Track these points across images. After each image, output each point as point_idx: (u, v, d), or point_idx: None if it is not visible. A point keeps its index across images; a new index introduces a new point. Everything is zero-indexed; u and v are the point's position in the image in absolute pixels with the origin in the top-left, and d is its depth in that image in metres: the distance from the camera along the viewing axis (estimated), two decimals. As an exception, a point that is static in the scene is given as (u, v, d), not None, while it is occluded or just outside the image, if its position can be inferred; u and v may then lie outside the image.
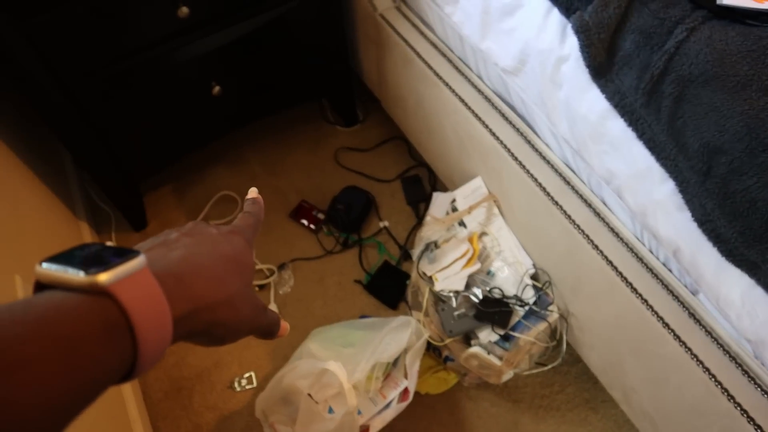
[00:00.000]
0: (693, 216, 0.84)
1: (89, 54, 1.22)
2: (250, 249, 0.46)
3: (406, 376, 1.27)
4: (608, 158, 0.98)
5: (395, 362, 1.30)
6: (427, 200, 1.47)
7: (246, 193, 0.54)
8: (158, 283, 0.34)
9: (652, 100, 0.85)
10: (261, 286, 1.59)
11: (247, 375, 1.46)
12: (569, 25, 0.95)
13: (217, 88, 1.45)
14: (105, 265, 0.32)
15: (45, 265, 0.32)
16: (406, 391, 1.27)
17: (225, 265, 0.40)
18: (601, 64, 0.91)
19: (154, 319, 0.33)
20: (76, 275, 0.31)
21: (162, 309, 0.33)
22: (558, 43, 0.98)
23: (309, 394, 1.19)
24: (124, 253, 0.33)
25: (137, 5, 1.20)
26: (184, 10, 1.25)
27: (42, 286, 0.32)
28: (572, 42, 0.95)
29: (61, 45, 1.17)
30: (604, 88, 0.92)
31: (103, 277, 0.31)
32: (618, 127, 0.92)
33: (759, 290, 0.81)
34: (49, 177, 1.55)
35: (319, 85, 1.73)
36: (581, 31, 0.90)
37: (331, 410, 1.21)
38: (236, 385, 1.45)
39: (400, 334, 1.25)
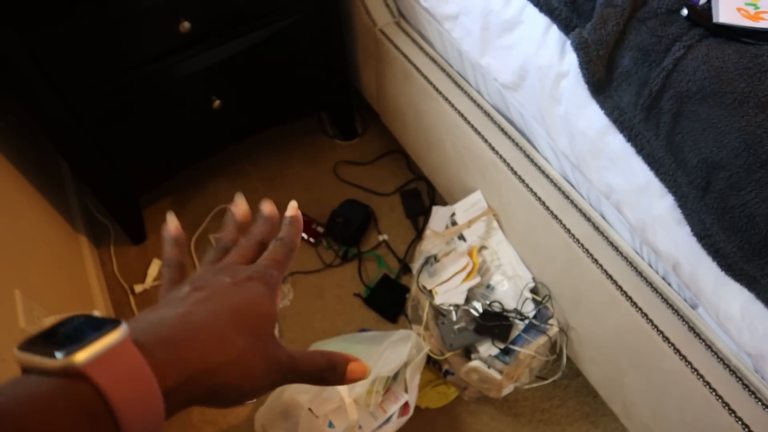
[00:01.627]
0: (692, 231, 0.85)
1: (91, 68, 1.23)
2: (271, 294, 0.40)
3: (406, 390, 1.27)
4: (607, 173, 0.98)
5: (395, 376, 1.30)
6: (426, 214, 1.48)
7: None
8: (143, 355, 0.30)
9: (650, 116, 0.86)
10: (260, 300, 1.58)
11: (246, 389, 1.46)
12: (568, 42, 0.97)
13: (217, 102, 1.46)
14: (81, 342, 0.29)
15: (19, 351, 0.29)
16: (406, 405, 1.27)
17: (230, 321, 0.36)
18: (600, 81, 0.92)
19: (137, 398, 0.29)
20: (49, 359, 0.28)
21: (146, 384, 0.30)
22: (557, 59, 0.99)
23: (309, 409, 1.19)
24: (103, 325, 0.30)
25: (139, 20, 1.21)
26: (186, 25, 1.26)
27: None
28: (571, 58, 0.96)
29: (63, 58, 1.17)
30: (603, 104, 0.93)
31: (78, 358, 0.28)
32: (617, 143, 0.93)
33: (758, 304, 0.81)
34: (47, 189, 1.55)
35: (318, 99, 1.74)
36: (580, 48, 0.91)
37: (331, 425, 1.21)
38: (235, 399, 1.44)
39: (400, 348, 1.25)
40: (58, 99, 1.23)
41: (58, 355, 0.28)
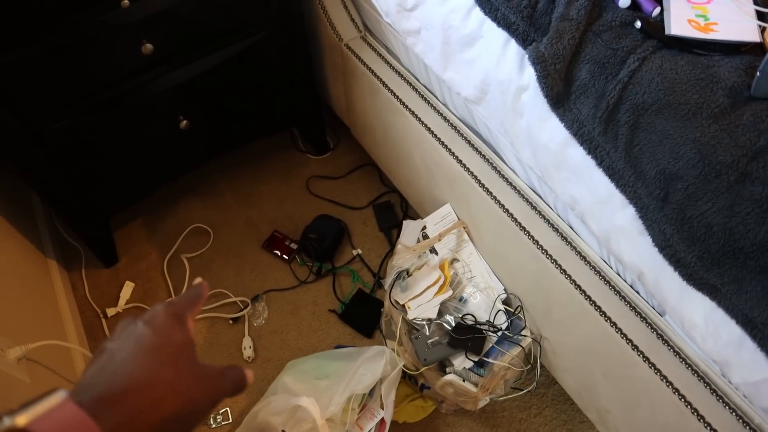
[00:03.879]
0: (653, 241, 0.86)
1: (52, 93, 1.22)
2: (179, 321, 0.45)
3: (382, 407, 1.26)
4: (571, 185, 0.99)
5: (371, 392, 1.29)
6: (400, 226, 1.48)
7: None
8: (83, 411, 0.34)
9: (609, 129, 0.87)
10: (235, 319, 1.57)
11: (222, 411, 1.44)
12: (527, 55, 0.97)
13: (184, 122, 1.45)
14: (25, 408, 0.34)
15: None
16: (382, 421, 1.26)
17: (152, 359, 0.40)
18: (559, 94, 0.92)
19: None
20: None
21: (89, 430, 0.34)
22: (517, 72, 1.00)
23: (283, 431, 1.17)
24: (45, 395, 0.35)
25: (100, 44, 1.20)
26: (148, 47, 1.25)
27: None
28: (531, 72, 0.97)
29: (23, 86, 1.16)
30: (562, 117, 0.93)
31: (22, 419, 0.33)
32: (578, 155, 0.94)
33: (720, 312, 0.82)
34: (13, 213, 1.52)
35: (288, 115, 1.73)
36: (538, 63, 0.92)
37: (307, 445, 1.20)
38: (212, 421, 1.42)
39: (374, 365, 1.25)
40: (21, 125, 1.21)
41: (5, 420, 0.33)
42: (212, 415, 1.43)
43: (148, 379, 0.39)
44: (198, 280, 0.53)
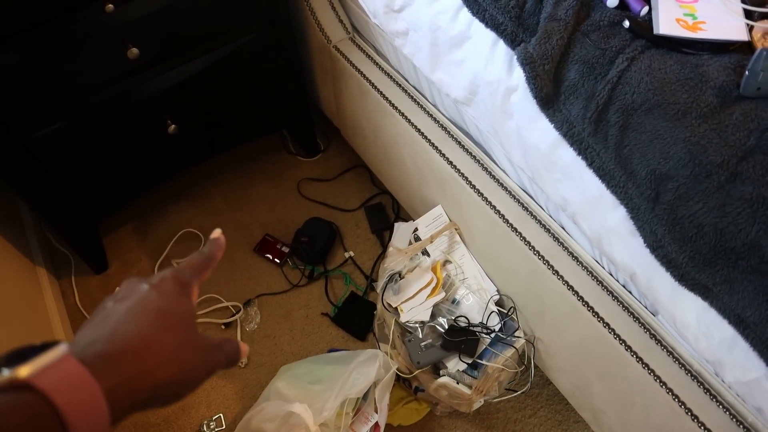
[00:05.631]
0: (645, 242, 0.85)
1: (38, 99, 1.20)
2: (185, 291, 0.45)
3: (376, 410, 1.25)
4: (562, 186, 0.99)
5: (365, 396, 1.28)
6: (392, 228, 1.47)
7: (210, 230, 0.55)
8: (84, 366, 0.35)
9: (599, 129, 0.87)
10: (227, 324, 1.56)
11: (216, 417, 1.43)
12: (516, 56, 0.97)
13: (172, 127, 1.44)
14: (25, 360, 0.33)
15: None
16: (376, 425, 1.25)
17: (155, 323, 0.41)
18: (548, 95, 0.92)
19: (81, 400, 0.33)
20: None
21: (89, 388, 0.34)
22: (506, 73, 0.99)
23: (277, 437, 1.17)
24: (45, 347, 0.35)
25: (85, 49, 1.19)
26: (134, 51, 1.24)
27: None
28: (520, 73, 0.96)
29: (6, 92, 1.14)
30: (552, 118, 0.93)
31: (22, 371, 0.32)
32: (568, 156, 0.93)
33: (713, 312, 0.82)
34: (1, 220, 1.50)
35: (278, 117, 1.72)
36: (526, 63, 0.91)
37: (300, 451, 1.19)
38: (205, 427, 1.41)
39: (367, 368, 1.24)
40: (6, 132, 1.19)
41: (5, 371, 0.32)
42: (205, 422, 1.42)
43: (150, 343, 0.39)
44: (216, 233, 0.53)
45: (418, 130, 1.30)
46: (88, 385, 0.34)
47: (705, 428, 0.93)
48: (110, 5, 1.15)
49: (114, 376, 0.36)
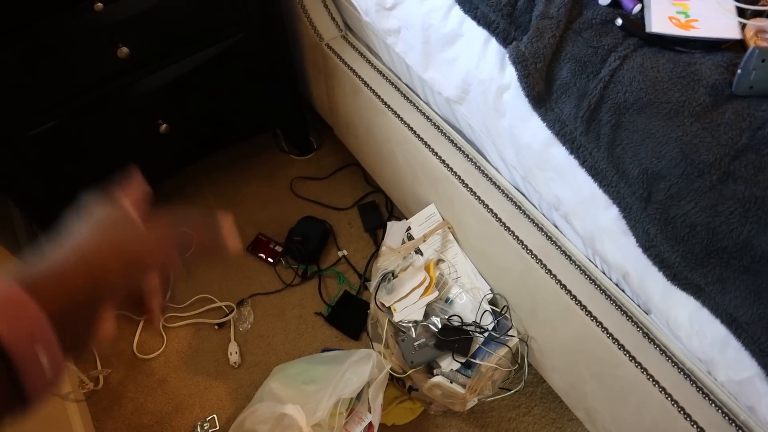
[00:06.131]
0: (637, 242, 0.85)
1: (27, 100, 1.19)
2: (110, 204, 0.48)
3: (370, 410, 1.25)
4: (554, 185, 0.98)
5: (359, 396, 1.28)
6: (385, 226, 1.46)
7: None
8: (20, 285, 0.35)
9: (591, 128, 0.86)
10: (220, 325, 1.55)
11: (209, 418, 1.42)
12: (508, 54, 0.96)
13: (164, 126, 1.43)
14: None
15: None
16: (370, 425, 1.25)
17: (88, 234, 0.43)
18: (540, 94, 0.91)
19: (13, 318, 0.33)
20: None
21: (21, 306, 0.34)
22: (498, 72, 0.98)
23: (270, 438, 1.16)
24: None
25: (74, 48, 1.18)
26: (124, 51, 1.23)
27: None
28: (512, 71, 0.95)
29: (-5, 92, 1.13)
30: (544, 117, 0.92)
31: None
32: (561, 155, 0.93)
33: (705, 312, 0.82)
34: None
35: (270, 116, 1.71)
36: (518, 62, 0.90)
37: (294, 452, 1.18)
38: (199, 429, 1.41)
39: (361, 368, 1.24)
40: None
41: None
42: (199, 423, 1.41)
43: (82, 245, 0.41)
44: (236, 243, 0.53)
45: (411, 129, 1.30)
46: (13, 292, 0.34)
47: (697, 426, 0.93)
48: (99, 4, 1.14)
49: (45, 279, 0.37)
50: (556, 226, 1.12)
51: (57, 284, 0.38)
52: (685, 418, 0.94)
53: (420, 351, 1.23)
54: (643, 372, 0.98)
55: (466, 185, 1.20)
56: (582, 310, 1.05)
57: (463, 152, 1.24)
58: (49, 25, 1.12)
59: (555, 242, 1.11)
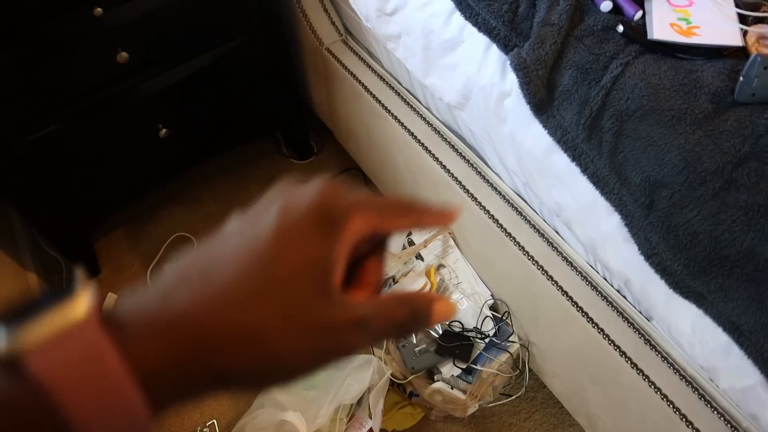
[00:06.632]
0: (639, 249, 0.85)
1: (26, 104, 1.19)
2: (333, 231, 0.28)
3: (370, 416, 1.25)
4: (556, 191, 0.98)
5: (359, 402, 1.28)
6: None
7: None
8: (110, 335, 0.23)
9: (593, 135, 0.86)
10: (220, 329, 1.55)
11: (209, 423, 1.42)
12: (509, 61, 0.96)
13: (164, 131, 1.42)
14: (27, 318, 0.22)
15: None
16: (371, 431, 1.24)
17: (255, 281, 0.26)
18: (542, 100, 0.91)
19: (94, 392, 0.22)
20: None
21: (106, 372, 0.22)
22: (499, 78, 0.98)
23: (270, 445, 1.16)
24: (59, 297, 0.23)
25: (74, 53, 1.17)
26: (124, 56, 1.22)
27: None
28: (513, 77, 0.95)
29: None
30: (546, 124, 0.92)
31: (14, 344, 0.22)
32: (562, 162, 0.93)
33: (707, 320, 0.81)
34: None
35: (270, 120, 1.71)
36: (520, 69, 0.90)
37: (295, 458, 1.18)
38: (198, 434, 1.40)
39: (362, 374, 1.23)
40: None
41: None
42: (198, 428, 1.40)
43: (239, 305, 0.25)
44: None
45: (412, 134, 1.30)
46: (110, 372, 0.23)
47: (700, 434, 0.92)
48: (98, 9, 1.14)
49: (158, 357, 0.24)
50: (557, 233, 1.12)
51: (168, 330, 0.25)
52: (687, 426, 0.93)
53: (421, 357, 1.23)
54: (644, 379, 0.98)
55: (467, 191, 1.20)
56: (583, 316, 1.04)
57: (464, 158, 1.24)
58: (48, 30, 1.12)
59: (556, 248, 1.11)
